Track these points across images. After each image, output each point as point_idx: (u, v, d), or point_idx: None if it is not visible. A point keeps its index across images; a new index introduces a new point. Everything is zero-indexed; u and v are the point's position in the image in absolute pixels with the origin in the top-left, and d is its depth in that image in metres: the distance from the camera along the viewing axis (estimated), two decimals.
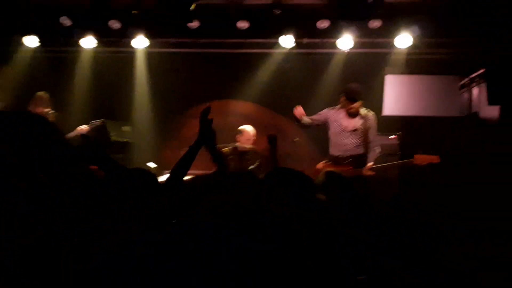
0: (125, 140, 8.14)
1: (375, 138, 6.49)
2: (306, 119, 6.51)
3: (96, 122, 7.58)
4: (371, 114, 6.49)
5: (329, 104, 6.73)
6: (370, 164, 6.24)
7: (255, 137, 7.41)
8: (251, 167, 7.21)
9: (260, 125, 7.57)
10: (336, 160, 6.43)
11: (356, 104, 6.34)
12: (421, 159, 6.00)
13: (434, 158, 5.99)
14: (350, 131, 6.42)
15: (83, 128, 7.37)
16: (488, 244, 4.27)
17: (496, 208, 5.53)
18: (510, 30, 5.40)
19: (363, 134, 6.42)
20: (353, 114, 6.41)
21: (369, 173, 6.19)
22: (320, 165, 6.52)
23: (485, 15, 5.64)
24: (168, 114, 8.75)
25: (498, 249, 4.15)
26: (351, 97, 6.35)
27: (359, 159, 6.36)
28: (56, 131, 1.84)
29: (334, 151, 6.50)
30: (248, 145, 7.39)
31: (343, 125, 6.45)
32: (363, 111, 6.46)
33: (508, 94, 5.69)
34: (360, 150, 6.40)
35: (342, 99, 6.46)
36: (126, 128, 8.29)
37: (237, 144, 7.28)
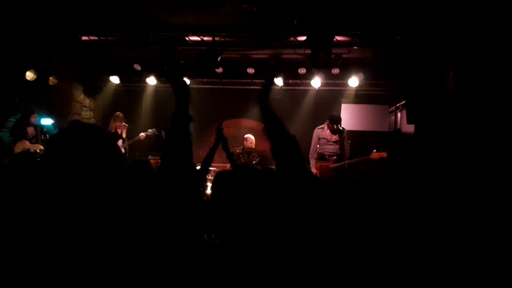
0: None
1: (348, 144, 6.81)
2: (313, 161, 6.79)
3: (151, 130, 7.58)
4: (345, 129, 6.83)
5: (305, 122, 6.90)
6: (350, 160, 6.57)
7: (254, 142, 7.55)
8: (254, 162, 7.33)
9: (259, 135, 7.56)
10: (323, 158, 6.67)
11: (337, 126, 6.65)
12: (375, 155, 6.25)
13: (384, 154, 6.25)
14: (333, 141, 6.70)
15: (142, 135, 7.51)
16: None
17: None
18: (420, 75, 5.50)
19: (341, 142, 6.69)
20: (334, 131, 6.69)
21: (353, 162, 6.49)
22: (314, 170, 6.69)
23: (405, 66, 5.73)
24: (201, 126, 8.58)
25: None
26: (333, 121, 6.66)
27: (338, 157, 6.63)
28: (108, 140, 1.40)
29: (322, 152, 6.71)
30: (251, 147, 7.52)
31: (328, 138, 6.70)
32: (339, 127, 6.71)
33: (420, 118, 5.73)
34: (338, 152, 6.66)
35: (327, 122, 6.72)
36: None
37: (244, 146, 7.43)
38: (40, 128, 6.99)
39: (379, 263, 1.11)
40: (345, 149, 6.68)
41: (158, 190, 1.45)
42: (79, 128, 1.38)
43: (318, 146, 6.75)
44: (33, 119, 6.89)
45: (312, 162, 6.81)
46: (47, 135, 7.08)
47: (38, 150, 6.55)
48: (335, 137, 6.69)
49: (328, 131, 6.73)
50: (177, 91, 1.66)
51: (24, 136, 6.73)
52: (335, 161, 6.62)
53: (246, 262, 1.10)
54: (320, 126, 6.85)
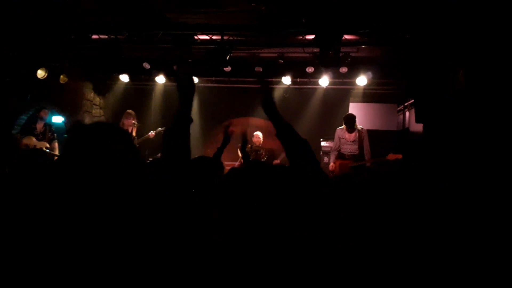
0: None
1: (368, 145, 6.85)
2: (333, 157, 6.96)
3: (160, 129, 7.58)
4: (364, 129, 6.91)
5: (313, 120, 6.93)
6: (369, 159, 6.66)
7: (262, 139, 7.58)
8: (263, 160, 7.36)
9: (267, 133, 7.59)
10: (343, 157, 6.82)
11: (350, 125, 6.77)
12: (391, 156, 6.33)
13: (399, 156, 6.30)
14: (351, 141, 6.83)
15: (151, 133, 7.52)
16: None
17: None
18: (428, 75, 5.48)
19: (359, 142, 6.79)
20: (351, 131, 6.81)
21: (371, 161, 6.63)
22: (331, 165, 6.90)
23: (414, 65, 5.71)
24: (209, 125, 8.62)
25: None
26: (346, 122, 6.81)
27: (357, 157, 6.74)
28: (129, 138, 1.39)
29: (342, 151, 6.86)
30: (259, 144, 7.56)
31: (346, 138, 6.84)
32: (358, 127, 6.84)
33: (429, 117, 5.70)
34: (357, 152, 6.77)
35: (344, 122, 6.87)
36: None
37: (252, 144, 7.47)
38: (48, 126, 7.03)
39: (379, 263, 1.10)
40: (365, 149, 6.78)
41: (158, 190, 1.40)
42: (101, 127, 1.36)
43: (339, 145, 6.91)
44: (43, 114, 6.91)
45: (332, 157, 7.00)
46: (55, 134, 7.11)
47: (44, 148, 6.56)
48: (353, 137, 6.81)
49: (346, 132, 6.86)
50: (183, 91, 1.66)
51: (32, 131, 6.74)
52: (355, 160, 6.75)
53: (248, 262, 1.10)
54: (340, 127, 7.00)
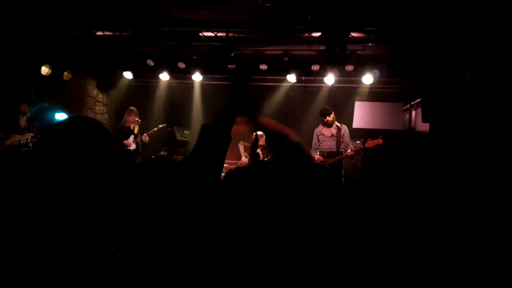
0: (186, 139, 8.09)
1: (349, 141, 6.56)
2: (316, 153, 6.54)
3: (161, 126, 7.59)
4: (343, 125, 6.62)
5: (318, 118, 6.83)
6: (349, 152, 6.27)
7: (264, 138, 7.49)
8: (266, 159, 7.34)
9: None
10: (322, 154, 6.48)
11: (328, 118, 6.46)
12: (370, 143, 6.13)
13: (379, 141, 6.08)
14: (329, 136, 6.54)
15: (146, 137, 7.27)
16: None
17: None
18: (434, 74, 5.46)
19: (337, 138, 6.47)
20: (328, 125, 6.53)
21: (349, 154, 6.25)
22: (316, 156, 6.49)
23: (421, 64, 5.69)
24: None
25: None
26: (322, 114, 6.51)
27: (334, 154, 6.41)
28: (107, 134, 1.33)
29: (321, 149, 6.55)
30: (262, 144, 7.49)
31: (324, 134, 6.57)
32: (336, 123, 6.54)
33: (435, 116, 5.68)
34: (334, 148, 6.45)
35: (320, 116, 6.61)
36: (186, 132, 8.27)
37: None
38: (32, 122, 6.71)
39: (379, 263, 1.10)
40: (344, 144, 6.49)
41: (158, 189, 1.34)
42: (76, 121, 1.32)
43: (319, 144, 6.63)
44: (23, 109, 6.59)
45: (315, 156, 6.59)
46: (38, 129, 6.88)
47: (29, 138, 6.35)
48: (330, 132, 6.55)
49: (322, 127, 6.63)
50: (238, 95, 1.58)
51: (16, 129, 6.46)
52: (331, 157, 6.45)
53: (248, 262, 1.10)
54: (317, 126, 6.78)
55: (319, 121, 6.72)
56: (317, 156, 6.49)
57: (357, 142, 7.16)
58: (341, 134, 6.52)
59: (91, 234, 1.13)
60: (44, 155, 1.24)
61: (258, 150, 6.79)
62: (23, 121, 6.63)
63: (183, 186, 1.36)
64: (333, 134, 6.53)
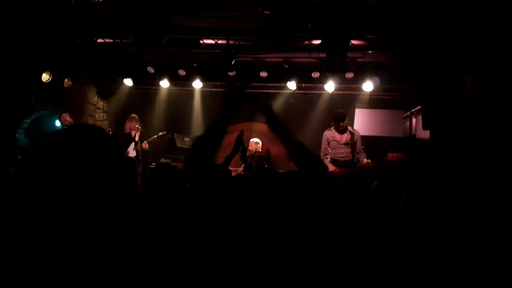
0: (186, 146, 7.96)
1: (361, 147, 6.20)
2: (326, 159, 6.05)
3: (161, 133, 7.61)
4: (356, 129, 6.36)
5: (318, 125, 6.78)
6: (366, 161, 5.86)
7: (261, 145, 7.33)
8: (265, 165, 7.31)
9: (272, 139, 7.48)
10: (335, 163, 6.05)
11: (342, 124, 6.10)
12: (391, 156, 5.65)
13: (401, 155, 5.63)
14: (343, 143, 6.13)
15: (146, 145, 7.31)
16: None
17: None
18: (436, 80, 5.50)
19: (352, 145, 6.09)
20: (342, 131, 6.14)
21: (368, 165, 5.74)
22: (330, 167, 5.96)
23: (421, 71, 5.73)
24: None
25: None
26: (336, 119, 6.15)
27: (350, 163, 6.04)
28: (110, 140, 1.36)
29: (334, 157, 6.11)
30: (259, 151, 7.43)
31: (338, 139, 6.14)
32: (350, 128, 6.23)
33: (436, 123, 5.69)
34: (350, 157, 6.06)
35: (333, 121, 6.23)
36: (187, 139, 8.14)
37: (256, 150, 7.37)
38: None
39: (379, 263, 1.11)
40: (358, 151, 6.10)
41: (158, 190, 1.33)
42: (81, 128, 1.35)
43: (329, 149, 6.17)
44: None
45: (326, 161, 6.13)
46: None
47: None
48: (345, 139, 6.11)
49: (336, 132, 6.18)
50: (228, 103, 1.68)
51: None
52: (347, 167, 6.01)
53: (248, 261, 1.11)
54: (328, 129, 6.33)
55: (330, 125, 6.32)
56: (331, 166, 5.99)
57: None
58: (355, 140, 6.10)
59: (91, 235, 1.15)
60: (49, 161, 1.27)
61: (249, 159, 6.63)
62: None
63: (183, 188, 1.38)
64: (348, 142, 6.08)
